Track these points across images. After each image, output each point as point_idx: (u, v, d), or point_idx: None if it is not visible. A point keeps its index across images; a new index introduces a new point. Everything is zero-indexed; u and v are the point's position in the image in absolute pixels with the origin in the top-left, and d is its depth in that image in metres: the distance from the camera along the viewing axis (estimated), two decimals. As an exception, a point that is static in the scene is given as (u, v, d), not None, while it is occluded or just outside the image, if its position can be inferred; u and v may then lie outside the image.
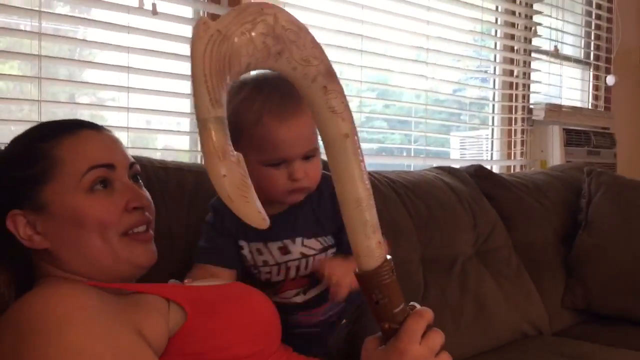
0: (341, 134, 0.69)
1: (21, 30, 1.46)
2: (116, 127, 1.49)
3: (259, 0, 0.68)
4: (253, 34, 0.61)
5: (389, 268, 0.71)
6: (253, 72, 0.93)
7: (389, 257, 0.72)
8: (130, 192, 0.86)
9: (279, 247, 1.00)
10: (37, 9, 1.41)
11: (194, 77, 0.58)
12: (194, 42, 0.58)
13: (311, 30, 2.01)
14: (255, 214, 0.62)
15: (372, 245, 0.70)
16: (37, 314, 0.69)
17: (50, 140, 0.84)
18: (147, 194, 0.92)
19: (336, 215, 0.85)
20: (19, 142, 0.88)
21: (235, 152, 0.62)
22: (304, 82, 0.67)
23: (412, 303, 0.78)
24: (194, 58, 0.58)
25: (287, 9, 1.92)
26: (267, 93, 0.93)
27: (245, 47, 0.61)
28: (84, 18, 1.53)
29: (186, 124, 1.80)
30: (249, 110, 0.92)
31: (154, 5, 1.54)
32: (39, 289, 0.77)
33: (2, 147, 0.90)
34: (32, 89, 1.45)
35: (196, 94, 0.58)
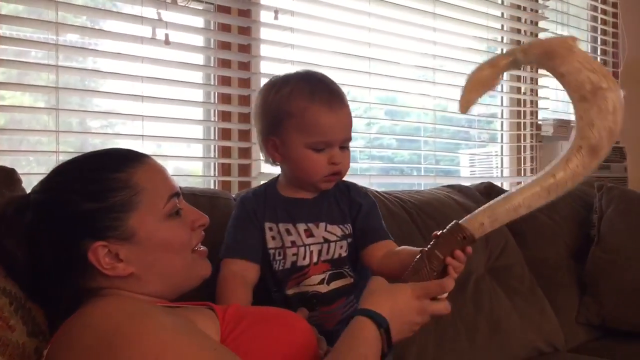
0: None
1: (39, 64, 1.50)
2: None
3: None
4: (587, 71, 0.84)
5: (469, 238, 0.90)
6: (293, 72, 1.12)
7: (477, 237, 0.91)
8: (194, 212, 0.95)
9: (304, 229, 1.09)
10: (53, 42, 1.46)
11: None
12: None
13: (321, 54, 2.07)
14: (468, 100, 0.88)
15: (483, 222, 0.91)
16: (114, 313, 0.74)
17: (124, 169, 0.87)
18: None
19: (366, 220, 1.10)
20: (79, 174, 0.87)
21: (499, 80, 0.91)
22: (579, 135, 0.88)
23: None
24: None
25: (298, 34, 1.93)
26: (315, 84, 1.07)
27: (574, 67, 0.84)
28: (99, 50, 1.58)
29: (199, 149, 1.83)
30: (300, 96, 1.05)
31: (166, 35, 1.58)
32: (105, 297, 0.81)
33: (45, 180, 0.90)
34: (49, 119, 1.49)
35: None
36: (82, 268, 0.83)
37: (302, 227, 1.09)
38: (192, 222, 0.93)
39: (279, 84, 1.09)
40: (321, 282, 1.08)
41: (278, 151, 1.09)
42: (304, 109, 1.04)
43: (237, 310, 0.88)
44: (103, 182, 0.85)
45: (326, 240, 1.09)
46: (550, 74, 0.89)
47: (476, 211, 0.93)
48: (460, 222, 0.92)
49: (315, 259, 1.08)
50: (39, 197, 0.87)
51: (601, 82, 0.84)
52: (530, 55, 0.90)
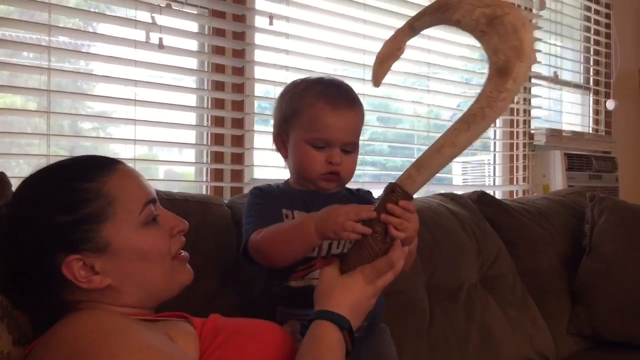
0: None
1: (30, 66, 1.49)
2: (123, 158, 1.51)
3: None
4: (479, 8, 0.82)
5: (399, 192, 0.93)
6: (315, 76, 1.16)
7: (411, 195, 0.95)
8: (172, 218, 0.91)
9: None
10: (46, 44, 1.45)
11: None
12: None
13: (315, 60, 2.05)
14: (377, 73, 0.93)
15: (410, 174, 0.94)
16: (91, 330, 0.72)
17: (95, 179, 0.83)
18: None
19: None
20: (49, 185, 0.84)
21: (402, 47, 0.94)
22: (490, 65, 0.86)
23: None
24: None
25: (293, 40, 1.91)
26: (327, 85, 1.12)
27: (466, 9, 0.83)
28: (92, 53, 1.56)
29: (191, 154, 1.82)
30: (309, 94, 1.09)
31: (160, 39, 1.57)
32: (83, 311, 0.79)
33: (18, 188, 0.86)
34: (40, 122, 1.48)
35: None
36: (58, 281, 0.80)
37: None
38: (171, 228, 0.90)
39: (297, 83, 1.14)
40: None
41: (285, 146, 1.12)
42: (310, 106, 1.07)
43: (214, 323, 0.86)
44: (74, 193, 0.81)
45: None
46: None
47: (413, 169, 0.95)
48: (399, 184, 0.94)
49: (324, 252, 1.08)
50: (9, 211, 0.83)
51: (495, 11, 0.83)
52: (424, 18, 0.91)
